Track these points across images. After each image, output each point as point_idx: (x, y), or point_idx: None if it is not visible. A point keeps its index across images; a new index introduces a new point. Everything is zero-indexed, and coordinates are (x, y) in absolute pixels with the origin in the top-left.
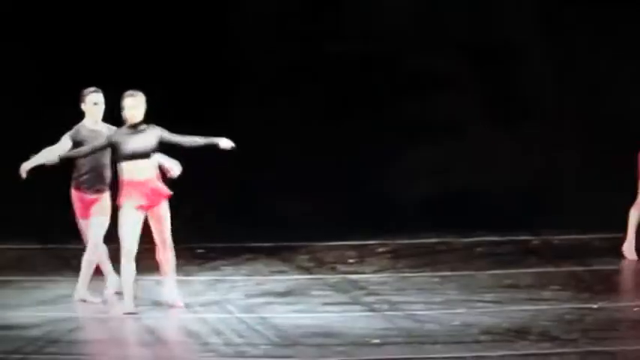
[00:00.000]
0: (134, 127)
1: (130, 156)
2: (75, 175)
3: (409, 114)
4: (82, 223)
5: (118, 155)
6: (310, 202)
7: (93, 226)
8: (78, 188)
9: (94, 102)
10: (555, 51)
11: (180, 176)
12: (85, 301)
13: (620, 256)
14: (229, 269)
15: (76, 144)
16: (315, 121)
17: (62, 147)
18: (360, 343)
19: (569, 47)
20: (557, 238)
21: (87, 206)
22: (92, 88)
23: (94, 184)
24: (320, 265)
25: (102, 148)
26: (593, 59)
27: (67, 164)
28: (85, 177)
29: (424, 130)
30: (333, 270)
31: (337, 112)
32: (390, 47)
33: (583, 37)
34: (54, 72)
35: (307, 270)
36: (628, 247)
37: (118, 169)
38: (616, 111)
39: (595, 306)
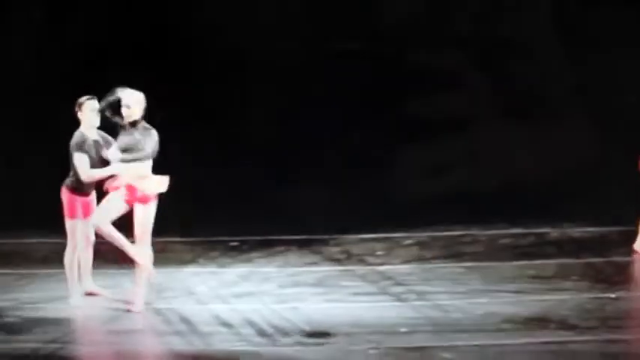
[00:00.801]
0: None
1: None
2: (73, 178)
3: (431, 110)
4: (71, 224)
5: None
6: (340, 197)
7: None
8: (74, 190)
9: (91, 109)
10: (563, 46)
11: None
12: (93, 294)
13: (633, 252)
14: (263, 261)
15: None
16: (334, 118)
17: (88, 165)
18: (388, 331)
19: (576, 43)
20: (576, 231)
21: (84, 207)
22: (88, 96)
23: (91, 186)
24: (350, 257)
25: None
26: (600, 53)
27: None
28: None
29: (445, 126)
30: (362, 262)
31: (355, 109)
32: (397, 44)
33: (590, 32)
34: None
35: (338, 261)
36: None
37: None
38: (631, 105)
39: (613, 296)
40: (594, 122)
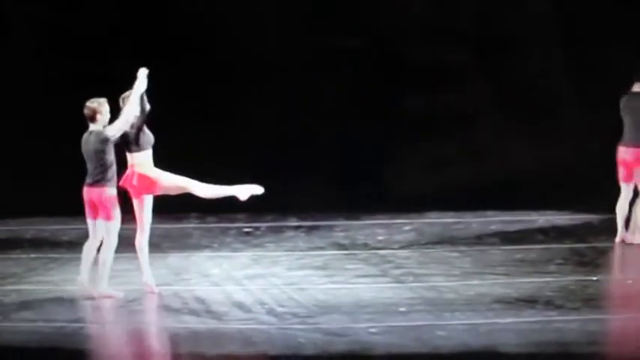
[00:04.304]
0: None
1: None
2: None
3: (433, 106)
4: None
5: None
6: (345, 188)
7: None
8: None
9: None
10: (563, 43)
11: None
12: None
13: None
14: (273, 246)
15: None
16: (340, 114)
17: None
18: (388, 310)
19: (578, 39)
20: (560, 218)
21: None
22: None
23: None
24: (353, 241)
25: None
26: (600, 51)
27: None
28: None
29: (442, 121)
30: (365, 246)
31: (356, 105)
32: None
33: (592, 29)
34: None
35: (342, 246)
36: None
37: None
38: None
39: (594, 278)
40: (581, 119)
